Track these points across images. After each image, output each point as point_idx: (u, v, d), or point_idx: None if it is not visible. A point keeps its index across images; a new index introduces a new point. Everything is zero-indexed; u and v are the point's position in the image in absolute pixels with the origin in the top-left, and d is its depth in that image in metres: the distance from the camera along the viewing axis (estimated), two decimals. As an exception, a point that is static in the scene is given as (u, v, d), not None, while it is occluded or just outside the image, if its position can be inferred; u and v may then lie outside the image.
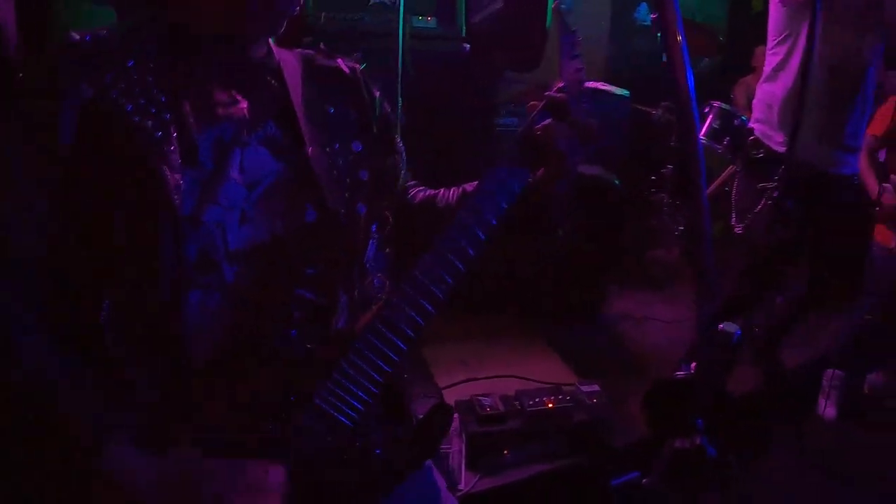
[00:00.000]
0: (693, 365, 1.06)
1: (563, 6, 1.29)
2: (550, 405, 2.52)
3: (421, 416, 1.16)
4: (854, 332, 3.67)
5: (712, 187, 4.62)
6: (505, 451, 2.42)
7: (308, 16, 3.62)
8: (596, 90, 4.63)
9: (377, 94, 1.25)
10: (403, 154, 1.30)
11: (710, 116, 4.56)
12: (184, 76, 1.02)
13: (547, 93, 1.16)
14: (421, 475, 1.18)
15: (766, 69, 2.92)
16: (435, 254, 1.03)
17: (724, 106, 4.59)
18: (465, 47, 3.95)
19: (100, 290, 0.95)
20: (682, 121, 1.04)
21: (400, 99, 3.65)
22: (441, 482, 1.31)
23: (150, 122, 0.95)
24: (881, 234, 3.48)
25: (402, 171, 1.29)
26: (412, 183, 1.35)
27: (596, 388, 2.66)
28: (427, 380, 3.01)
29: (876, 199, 3.36)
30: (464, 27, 3.94)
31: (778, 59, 2.83)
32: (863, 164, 3.42)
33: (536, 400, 2.53)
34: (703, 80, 5.46)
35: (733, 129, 4.51)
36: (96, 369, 0.96)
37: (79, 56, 0.96)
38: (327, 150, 1.12)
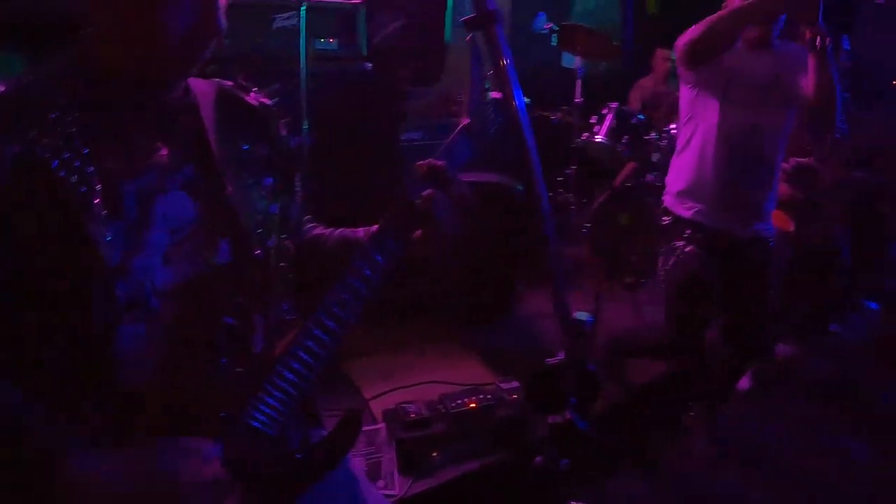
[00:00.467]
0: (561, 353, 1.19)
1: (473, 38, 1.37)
2: (473, 405, 2.64)
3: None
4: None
5: (616, 183, 4.84)
6: (434, 454, 2.52)
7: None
8: (497, 100, 4.80)
9: (284, 132, 1.32)
10: (299, 191, 1.36)
11: (609, 117, 4.80)
12: (105, 126, 1.05)
13: (430, 161, 1.24)
14: (338, 473, 1.27)
15: (678, 144, 3.03)
16: (341, 283, 1.13)
17: (621, 106, 4.85)
18: (367, 66, 4.06)
19: (37, 329, 1.00)
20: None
21: (306, 121, 3.73)
22: (360, 477, 1.41)
23: (74, 177, 0.98)
24: (779, 219, 3.62)
25: (300, 200, 1.36)
26: (307, 218, 1.43)
27: (515, 384, 2.80)
28: (354, 393, 3.08)
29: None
30: (365, 47, 4.05)
31: (686, 136, 2.94)
32: None
33: (459, 402, 2.65)
34: (600, 83, 5.71)
35: (631, 128, 4.77)
36: (40, 396, 1.00)
37: (2, 111, 0.98)
38: (243, 187, 1.18)
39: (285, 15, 3.82)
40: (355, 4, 4.06)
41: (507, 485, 2.65)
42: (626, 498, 3.03)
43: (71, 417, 1.00)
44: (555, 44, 4.92)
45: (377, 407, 2.93)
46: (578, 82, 4.92)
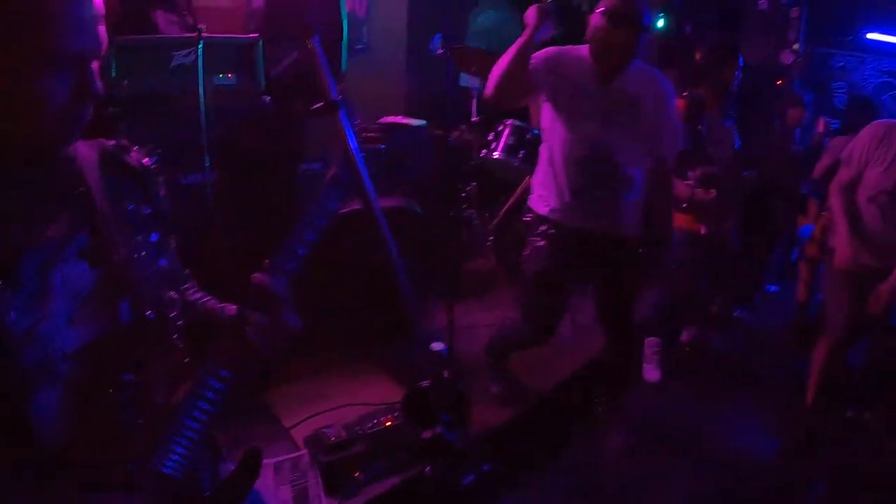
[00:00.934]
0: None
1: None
2: (389, 423, 2.77)
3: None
4: (665, 303, 4.27)
5: (512, 198, 5.05)
6: (357, 474, 2.64)
7: (111, 84, 3.66)
8: (395, 124, 4.96)
9: (163, 192, 1.35)
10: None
11: (506, 133, 5.01)
12: (1, 202, 1.08)
13: (259, 280, 1.26)
14: None
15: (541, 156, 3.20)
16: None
17: (516, 122, 5.05)
18: (266, 100, 4.14)
19: None
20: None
21: (207, 157, 3.78)
22: None
23: None
24: (688, 222, 3.96)
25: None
26: (187, 273, 1.50)
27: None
28: (274, 423, 3.15)
29: (686, 198, 3.83)
30: (263, 81, 4.13)
31: (545, 151, 3.12)
32: None
33: (376, 421, 2.77)
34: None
35: (527, 143, 4.98)
36: None
37: None
38: (133, 246, 1.22)
39: (184, 52, 3.85)
40: (252, 39, 4.14)
41: (432, 495, 2.74)
42: (549, 492, 3.22)
43: None
44: (450, 69, 5.09)
45: (298, 434, 3.01)
46: (474, 101, 5.12)
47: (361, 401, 3.22)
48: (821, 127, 5.02)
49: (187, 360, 1.30)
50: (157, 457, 1.14)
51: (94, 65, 1.11)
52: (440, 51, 5.10)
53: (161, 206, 1.34)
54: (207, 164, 3.78)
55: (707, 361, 4.46)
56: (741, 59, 3.98)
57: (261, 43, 4.12)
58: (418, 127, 4.94)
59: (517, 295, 3.47)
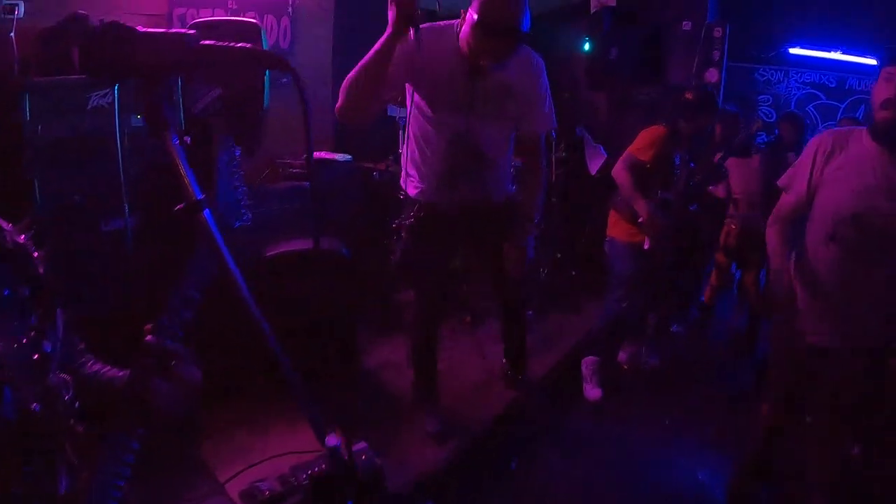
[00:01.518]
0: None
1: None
2: (323, 469, 2.66)
3: None
4: (606, 322, 4.30)
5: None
6: (293, 526, 2.53)
7: (26, 129, 3.53)
8: (320, 160, 4.89)
9: (41, 269, 1.29)
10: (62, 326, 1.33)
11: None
12: None
13: (148, 339, 1.22)
14: None
15: (408, 136, 3.17)
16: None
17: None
18: (187, 140, 4.03)
19: None
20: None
21: (126, 204, 3.65)
22: None
23: None
24: (628, 234, 4.09)
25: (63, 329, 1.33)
26: (81, 349, 1.44)
27: (364, 444, 2.84)
28: (208, 477, 3.03)
29: (646, 217, 3.90)
30: (182, 120, 4.02)
31: (412, 132, 3.12)
32: (628, 187, 3.95)
33: (310, 472, 2.66)
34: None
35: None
36: None
37: None
38: (10, 334, 1.16)
39: (101, 93, 3.74)
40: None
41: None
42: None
43: None
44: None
45: (234, 488, 2.88)
46: (401, 133, 5.08)
47: (298, 448, 3.09)
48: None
49: (90, 441, 1.24)
50: None
51: None
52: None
53: (42, 284, 1.26)
54: (127, 210, 3.67)
55: (645, 379, 4.53)
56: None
57: (179, 81, 4.02)
58: (344, 162, 4.89)
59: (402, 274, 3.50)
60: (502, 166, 3.19)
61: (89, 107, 3.75)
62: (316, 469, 2.64)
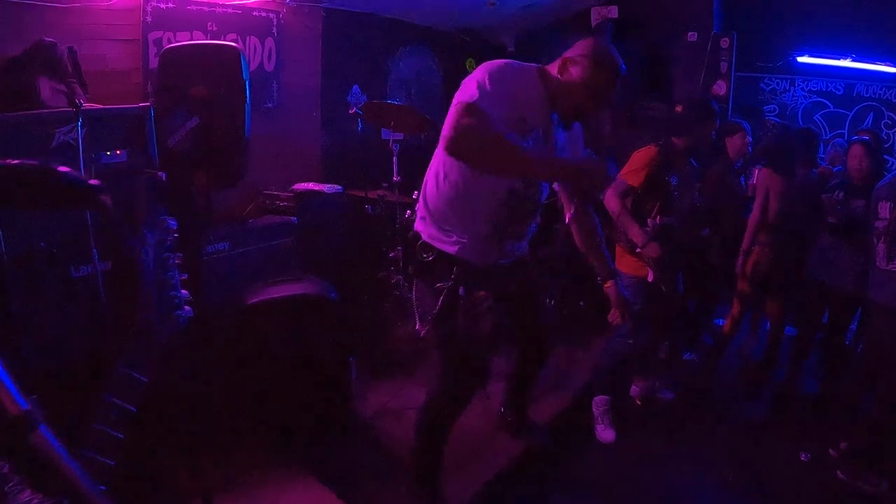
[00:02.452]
0: None
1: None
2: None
3: None
4: (611, 358, 4.04)
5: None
6: None
7: None
8: (308, 192, 4.63)
9: None
10: None
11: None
12: None
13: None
14: None
15: (436, 175, 2.76)
16: None
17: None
18: (162, 175, 3.77)
19: None
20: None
21: (94, 250, 3.40)
22: None
23: None
24: (633, 267, 3.80)
25: None
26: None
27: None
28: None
29: (642, 245, 3.62)
30: (156, 156, 3.76)
31: (455, 185, 2.69)
32: (619, 213, 3.66)
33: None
34: (424, 152, 5.65)
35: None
36: None
37: None
38: None
39: (67, 128, 3.49)
40: (141, 109, 3.77)
41: None
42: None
43: None
44: (361, 129, 4.78)
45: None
46: (395, 160, 4.80)
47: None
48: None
49: None
50: None
51: None
52: (352, 110, 4.80)
53: None
54: (96, 255, 3.42)
55: (659, 414, 4.26)
56: (717, 114, 3.90)
57: (152, 112, 3.77)
58: (333, 193, 4.62)
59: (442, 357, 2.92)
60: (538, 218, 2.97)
61: (54, 143, 3.50)
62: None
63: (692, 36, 6.21)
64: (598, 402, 4.03)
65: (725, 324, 4.92)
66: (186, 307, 1.20)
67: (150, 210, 1.15)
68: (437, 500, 3.06)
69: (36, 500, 1.19)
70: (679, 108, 3.96)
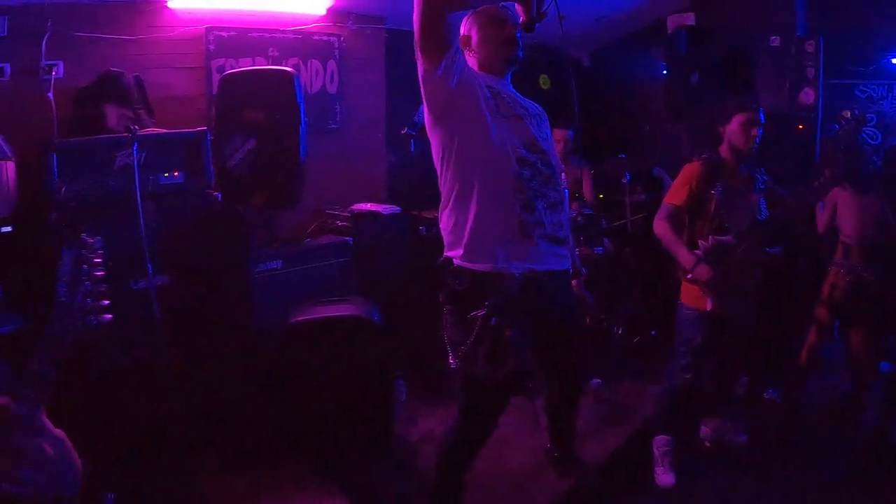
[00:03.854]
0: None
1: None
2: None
3: None
4: (670, 395, 3.72)
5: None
6: None
7: (52, 190, 3.48)
8: (366, 213, 4.64)
9: None
10: None
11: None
12: None
13: None
14: None
15: (445, 197, 2.63)
16: None
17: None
18: (217, 196, 3.87)
19: None
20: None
21: (149, 264, 3.50)
22: None
23: None
24: (693, 297, 3.49)
25: None
26: None
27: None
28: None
29: (690, 269, 3.37)
30: (212, 178, 3.86)
31: (458, 185, 2.56)
32: (668, 238, 3.45)
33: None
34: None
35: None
36: None
37: None
38: None
39: (128, 152, 3.64)
40: (198, 133, 3.90)
41: None
42: None
43: None
44: (413, 150, 4.77)
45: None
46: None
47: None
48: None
49: None
50: None
51: None
52: (403, 130, 4.78)
53: None
54: (150, 270, 3.52)
55: (731, 458, 3.84)
56: (762, 116, 3.56)
57: (208, 136, 3.88)
58: (391, 214, 4.61)
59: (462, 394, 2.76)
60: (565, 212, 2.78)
61: (116, 166, 3.68)
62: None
63: (775, 40, 5.86)
64: (659, 443, 3.70)
65: (802, 353, 4.42)
66: (104, 317, 1.18)
67: (70, 231, 1.17)
68: None
69: None
70: (714, 115, 3.67)
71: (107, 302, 1.25)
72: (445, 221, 2.63)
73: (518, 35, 2.64)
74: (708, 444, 3.94)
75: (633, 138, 6.63)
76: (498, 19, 2.65)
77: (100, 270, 1.23)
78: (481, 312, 2.46)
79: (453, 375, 2.82)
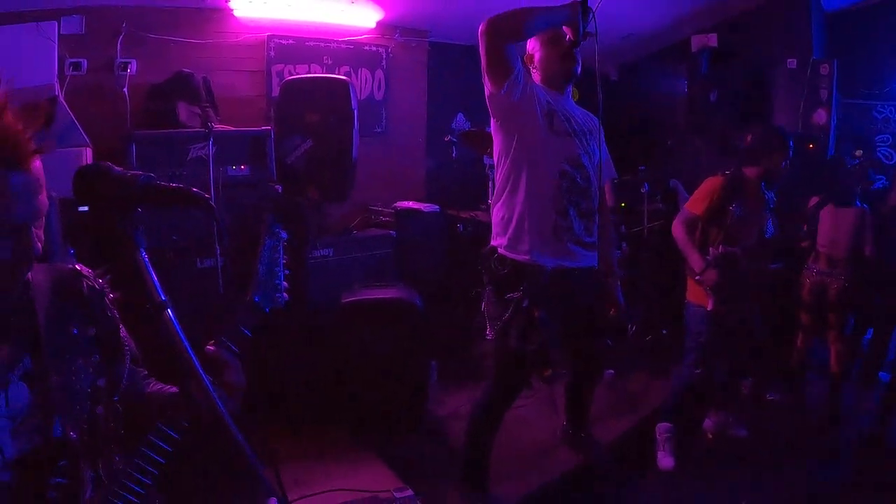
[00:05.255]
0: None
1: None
2: (363, 511, 2.74)
3: None
4: (679, 388, 4.03)
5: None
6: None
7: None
8: (407, 210, 5.05)
9: (110, 312, 1.50)
10: (130, 347, 1.54)
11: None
12: None
13: (207, 348, 1.45)
14: None
15: (499, 191, 3.09)
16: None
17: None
18: (278, 189, 4.29)
19: None
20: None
21: (217, 247, 3.92)
22: None
23: None
24: (698, 296, 3.80)
25: (128, 364, 1.53)
26: (144, 374, 1.61)
27: (409, 493, 2.90)
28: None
29: (700, 272, 3.67)
30: (274, 171, 4.28)
31: (510, 184, 3.02)
32: (683, 241, 3.76)
33: (350, 510, 2.77)
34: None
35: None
36: None
37: None
38: (71, 370, 1.36)
39: (200, 146, 4.06)
40: (263, 131, 4.32)
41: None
42: None
43: None
44: (455, 155, 5.19)
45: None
46: (490, 184, 5.14)
47: (354, 486, 3.20)
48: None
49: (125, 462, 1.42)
50: None
51: (38, 230, 1.29)
52: (446, 138, 5.20)
53: (108, 326, 1.48)
54: (218, 252, 3.94)
55: (730, 450, 4.09)
56: (790, 144, 3.84)
57: (272, 135, 4.31)
58: (431, 212, 5.01)
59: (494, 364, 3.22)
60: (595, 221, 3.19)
61: (189, 157, 4.09)
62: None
63: (792, 63, 6.15)
64: (661, 429, 3.98)
65: (793, 358, 4.72)
66: (285, 294, 1.62)
67: (269, 223, 1.57)
68: (483, 492, 3.34)
69: (161, 387, 1.59)
70: (749, 138, 3.87)
71: (286, 284, 1.62)
72: (496, 213, 3.09)
73: (575, 52, 2.99)
74: (710, 436, 4.20)
75: (656, 151, 6.97)
76: (556, 39, 2.99)
77: (284, 258, 1.61)
78: (517, 295, 2.92)
79: (485, 354, 3.27)
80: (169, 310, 1.28)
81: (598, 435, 3.93)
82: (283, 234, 1.62)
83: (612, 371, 4.89)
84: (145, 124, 4.41)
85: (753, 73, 6.31)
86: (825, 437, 4.25)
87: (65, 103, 4.08)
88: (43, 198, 1.28)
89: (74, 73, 4.34)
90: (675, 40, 6.71)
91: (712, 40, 6.40)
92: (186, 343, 1.27)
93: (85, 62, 4.42)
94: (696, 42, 6.52)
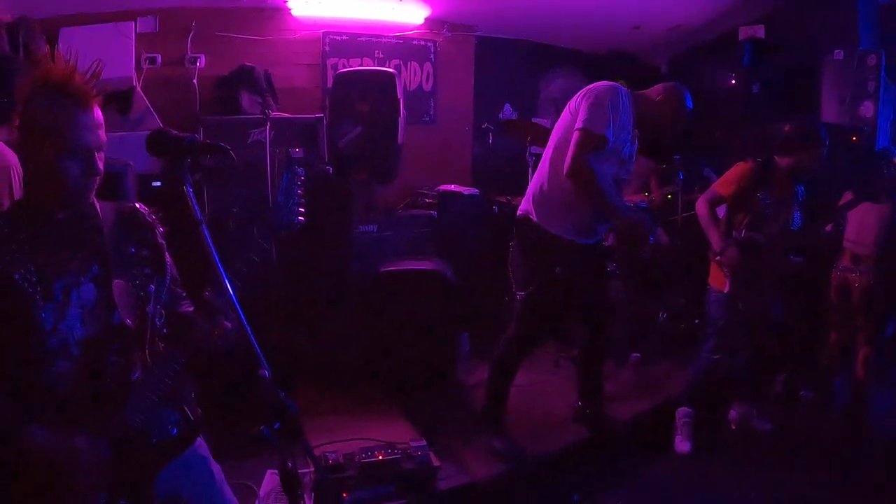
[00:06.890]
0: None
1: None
2: (381, 457, 3.10)
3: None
4: (698, 371, 4.14)
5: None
6: (343, 494, 2.97)
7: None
8: (449, 193, 5.37)
9: (161, 240, 1.92)
10: (171, 270, 1.96)
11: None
12: (43, 245, 1.67)
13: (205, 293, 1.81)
14: (199, 464, 1.94)
15: (552, 168, 3.48)
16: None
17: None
18: (329, 169, 4.69)
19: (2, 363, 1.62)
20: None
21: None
22: (216, 469, 2.01)
23: (27, 284, 1.62)
24: (718, 280, 3.92)
25: (170, 280, 1.95)
26: (183, 295, 2.03)
27: (423, 443, 3.26)
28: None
29: (718, 251, 3.80)
30: (326, 153, 4.69)
31: (557, 161, 3.44)
32: (705, 219, 3.88)
33: (370, 454, 3.12)
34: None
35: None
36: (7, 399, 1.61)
37: None
38: (128, 278, 1.79)
39: (258, 130, 4.53)
40: (316, 118, 4.74)
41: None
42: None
43: (26, 412, 1.61)
44: (491, 142, 5.45)
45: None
46: (530, 170, 5.31)
47: (375, 437, 3.55)
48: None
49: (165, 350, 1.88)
50: (125, 410, 1.69)
51: (100, 154, 1.71)
52: (484, 125, 5.49)
53: (158, 250, 1.92)
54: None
55: (750, 442, 4.11)
56: (826, 141, 3.85)
57: (324, 121, 4.71)
58: (471, 195, 5.33)
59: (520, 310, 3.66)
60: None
61: (249, 140, 4.57)
62: (375, 454, 3.12)
63: (838, 53, 5.96)
64: (681, 414, 4.08)
65: (825, 356, 4.69)
66: (301, 218, 1.98)
67: (289, 162, 1.94)
68: (499, 424, 3.77)
69: (191, 311, 1.95)
70: (787, 129, 3.86)
71: (302, 209, 1.98)
72: (538, 182, 3.55)
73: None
74: (734, 427, 4.24)
75: (705, 142, 7.01)
76: (684, 113, 3.66)
77: (300, 190, 1.96)
78: (544, 258, 3.45)
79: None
80: (203, 226, 1.65)
81: (617, 414, 4.14)
82: (300, 171, 1.98)
83: (637, 354, 5.06)
84: (212, 111, 4.90)
85: (798, 64, 6.23)
86: (847, 438, 4.15)
87: (141, 93, 4.62)
88: (101, 133, 1.70)
89: (150, 66, 4.88)
90: (725, 31, 6.64)
91: (759, 31, 6.31)
92: (216, 254, 1.65)
93: (159, 57, 4.94)
94: (744, 33, 6.44)
